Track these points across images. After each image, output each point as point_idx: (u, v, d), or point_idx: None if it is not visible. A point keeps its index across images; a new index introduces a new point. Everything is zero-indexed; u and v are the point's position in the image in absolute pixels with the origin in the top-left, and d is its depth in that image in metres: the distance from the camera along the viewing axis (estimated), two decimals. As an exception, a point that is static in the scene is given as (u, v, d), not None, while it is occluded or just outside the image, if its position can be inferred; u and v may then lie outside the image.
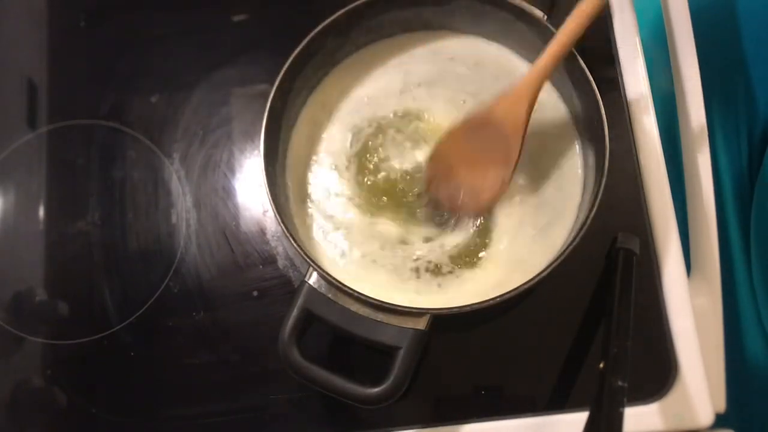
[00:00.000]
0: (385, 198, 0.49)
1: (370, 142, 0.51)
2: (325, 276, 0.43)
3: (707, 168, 0.52)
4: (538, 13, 0.47)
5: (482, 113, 0.46)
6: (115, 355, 0.51)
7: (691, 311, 0.48)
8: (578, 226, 0.44)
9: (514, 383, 0.49)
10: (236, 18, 0.57)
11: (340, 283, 0.43)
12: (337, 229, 0.49)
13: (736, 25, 0.63)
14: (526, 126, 0.45)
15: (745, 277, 0.62)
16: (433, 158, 0.48)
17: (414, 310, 0.42)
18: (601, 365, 0.43)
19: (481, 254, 0.48)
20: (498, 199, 0.48)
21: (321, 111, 0.51)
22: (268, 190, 0.45)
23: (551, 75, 0.45)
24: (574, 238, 0.43)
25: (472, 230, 0.48)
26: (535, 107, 0.50)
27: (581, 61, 0.46)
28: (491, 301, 0.42)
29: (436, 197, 0.49)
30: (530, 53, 0.51)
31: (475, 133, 0.47)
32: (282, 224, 0.44)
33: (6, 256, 0.54)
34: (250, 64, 0.56)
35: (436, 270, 0.48)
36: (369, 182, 0.50)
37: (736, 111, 0.63)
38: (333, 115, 0.51)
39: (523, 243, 0.48)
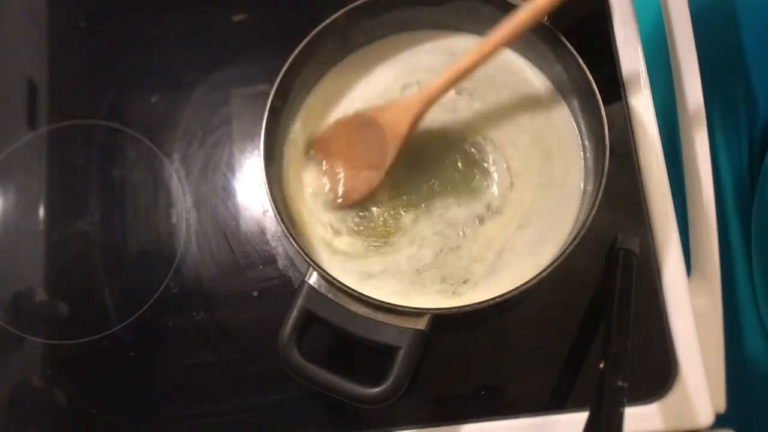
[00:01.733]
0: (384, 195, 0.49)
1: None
2: (325, 276, 0.43)
3: (707, 168, 0.52)
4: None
5: (371, 114, 0.47)
6: (115, 355, 0.51)
7: (691, 311, 0.48)
8: (578, 226, 0.44)
9: (514, 383, 0.49)
10: (236, 18, 0.57)
11: (340, 283, 0.43)
12: (337, 228, 0.49)
13: (736, 25, 0.63)
14: (406, 138, 0.46)
15: (745, 277, 0.62)
16: (318, 141, 0.49)
17: (414, 310, 0.42)
18: (601, 365, 0.43)
19: (482, 255, 0.48)
20: (363, 201, 0.48)
21: (321, 111, 0.51)
22: (268, 190, 0.45)
23: (443, 94, 0.46)
24: (574, 238, 0.43)
25: (472, 230, 0.48)
26: (538, 105, 0.50)
27: (581, 61, 0.46)
28: (491, 301, 0.42)
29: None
30: (529, 52, 0.51)
31: (359, 129, 0.48)
32: (282, 224, 0.44)
33: (6, 256, 0.54)
34: (250, 64, 0.56)
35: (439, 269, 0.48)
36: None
37: (736, 111, 0.63)
38: (333, 115, 0.51)
39: (523, 243, 0.48)
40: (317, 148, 0.50)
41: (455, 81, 0.46)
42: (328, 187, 0.49)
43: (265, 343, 0.50)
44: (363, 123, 0.48)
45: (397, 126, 0.46)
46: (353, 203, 0.48)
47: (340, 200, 0.48)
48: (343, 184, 0.48)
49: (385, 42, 0.52)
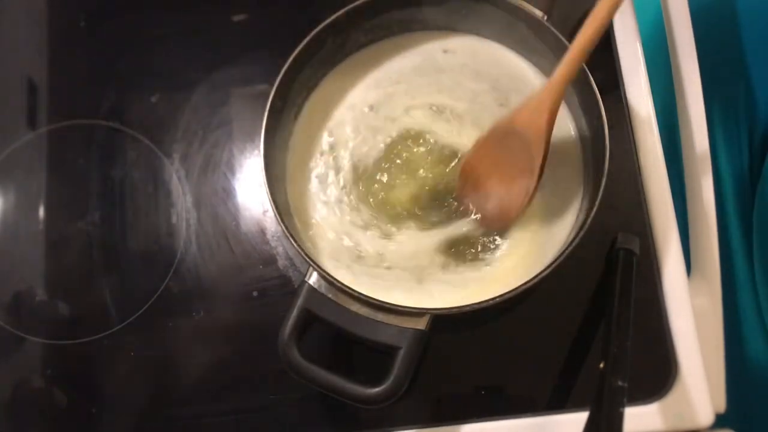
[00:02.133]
0: (383, 194, 0.49)
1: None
2: (325, 276, 0.43)
3: (707, 168, 0.52)
4: (538, 13, 0.47)
5: (505, 122, 0.46)
6: (115, 355, 0.51)
7: (691, 311, 0.48)
8: (578, 226, 0.44)
9: (514, 383, 0.49)
10: (236, 18, 0.57)
11: (340, 283, 0.43)
12: (337, 228, 0.49)
13: (736, 25, 0.63)
14: (549, 134, 0.45)
15: (745, 277, 0.62)
16: (464, 170, 0.48)
17: (414, 310, 0.43)
18: (601, 365, 0.43)
19: (482, 255, 0.48)
20: (522, 213, 0.47)
21: (322, 111, 0.51)
22: (268, 190, 0.45)
23: (573, 81, 0.44)
24: (574, 238, 0.43)
25: (477, 232, 0.48)
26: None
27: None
28: (491, 301, 0.42)
29: (467, 207, 0.49)
30: (530, 53, 0.51)
31: (500, 142, 0.46)
32: (282, 224, 0.44)
33: (6, 256, 0.54)
34: (250, 64, 0.56)
35: (439, 267, 0.48)
36: (366, 178, 0.50)
37: (737, 111, 0.63)
38: (333, 115, 0.51)
39: (523, 243, 0.48)
40: (464, 178, 0.48)
41: (578, 64, 0.43)
42: (481, 213, 0.48)
43: (265, 343, 0.50)
44: (500, 135, 0.46)
45: (536, 125, 0.44)
46: (515, 218, 0.47)
47: (494, 220, 0.48)
48: (498, 197, 0.47)
49: (385, 42, 0.52)
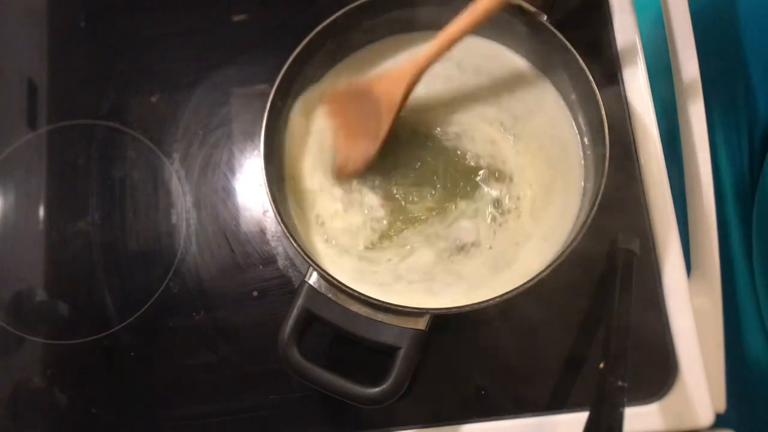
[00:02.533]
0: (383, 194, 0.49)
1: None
2: (325, 276, 0.43)
3: (707, 168, 0.52)
4: (538, 12, 0.47)
5: (363, 84, 0.48)
6: (115, 355, 0.51)
7: (691, 311, 0.49)
8: (578, 226, 0.44)
9: (514, 383, 0.49)
10: (236, 18, 0.57)
11: (340, 283, 0.43)
12: (338, 227, 0.49)
13: (737, 25, 0.63)
14: (400, 107, 0.47)
15: (745, 277, 0.62)
16: (328, 105, 0.50)
17: (414, 310, 0.43)
18: (601, 365, 0.43)
19: (483, 255, 0.48)
20: (360, 171, 0.48)
21: (322, 111, 0.51)
22: (268, 190, 0.45)
23: (434, 61, 0.46)
24: (574, 238, 0.43)
25: (478, 229, 0.48)
26: (534, 105, 0.50)
27: (581, 62, 0.46)
28: (491, 301, 0.42)
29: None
30: (530, 52, 0.51)
31: (354, 101, 0.48)
32: (282, 224, 0.44)
33: (6, 256, 0.54)
34: (250, 64, 0.56)
35: (439, 267, 0.48)
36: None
37: (736, 111, 0.63)
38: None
39: (523, 243, 0.48)
40: (329, 110, 0.50)
41: (446, 48, 0.46)
42: (330, 156, 0.49)
43: (265, 343, 0.50)
44: (359, 92, 0.48)
45: (392, 95, 0.46)
46: (350, 175, 0.49)
47: (337, 171, 0.49)
48: (343, 153, 0.49)
49: (385, 42, 0.52)
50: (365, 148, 0.48)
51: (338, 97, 0.49)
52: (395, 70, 0.47)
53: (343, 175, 0.49)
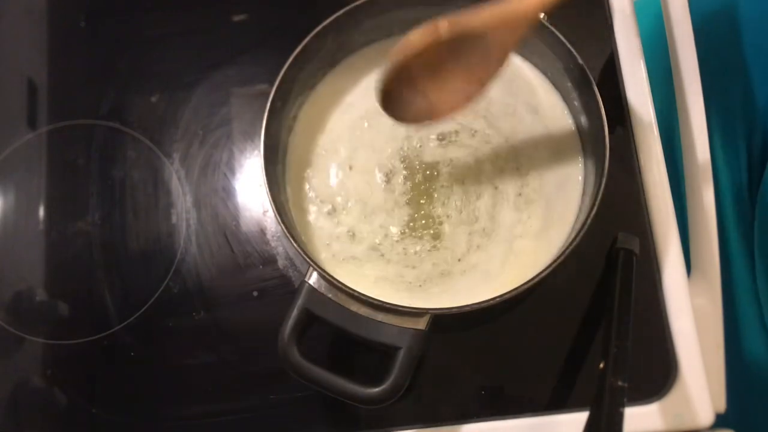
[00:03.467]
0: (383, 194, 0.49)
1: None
2: (325, 276, 0.43)
3: (707, 168, 0.51)
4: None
5: (478, 25, 0.41)
6: (115, 355, 0.51)
7: (691, 311, 0.49)
8: (578, 226, 0.44)
9: (514, 383, 0.49)
10: (236, 18, 0.57)
11: (340, 283, 0.43)
12: (338, 227, 0.49)
13: (737, 28, 0.63)
14: (512, 50, 0.42)
15: (745, 277, 0.62)
16: (395, 69, 0.42)
17: (414, 310, 0.42)
18: (601, 365, 0.43)
19: (483, 255, 0.48)
20: (460, 113, 0.45)
21: (321, 111, 0.51)
22: (268, 190, 0.45)
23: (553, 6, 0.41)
24: (574, 238, 0.43)
25: (471, 232, 0.48)
26: (536, 106, 0.50)
27: (581, 62, 0.46)
28: (491, 301, 0.42)
29: (396, 111, 0.44)
30: (530, 52, 0.51)
31: (454, 44, 0.41)
32: (282, 224, 0.44)
33: (6, 256, 0.54)
34: (250, 64, 0.56)
35: (439, 267, 0.48)
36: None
37: (736, 112, 0.63)
38: (333, 115, 0.51)
39: (522, 242, 0.48)
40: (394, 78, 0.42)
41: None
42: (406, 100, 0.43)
43: (265, 343, 0.50)
44: (465, 35, 0.41)
45: (507, 36, 0.41)
46: (443, 118, 0.44)
47: (425, 117, 0.44)
48: (435, 95, 0.43)
49: (386, 42, 0.52)
50: (465, 92, 0.44)
51: (430, 40, 0.41)
52: (512, 7, 0.40)
53: (438, 117, 0.44)
